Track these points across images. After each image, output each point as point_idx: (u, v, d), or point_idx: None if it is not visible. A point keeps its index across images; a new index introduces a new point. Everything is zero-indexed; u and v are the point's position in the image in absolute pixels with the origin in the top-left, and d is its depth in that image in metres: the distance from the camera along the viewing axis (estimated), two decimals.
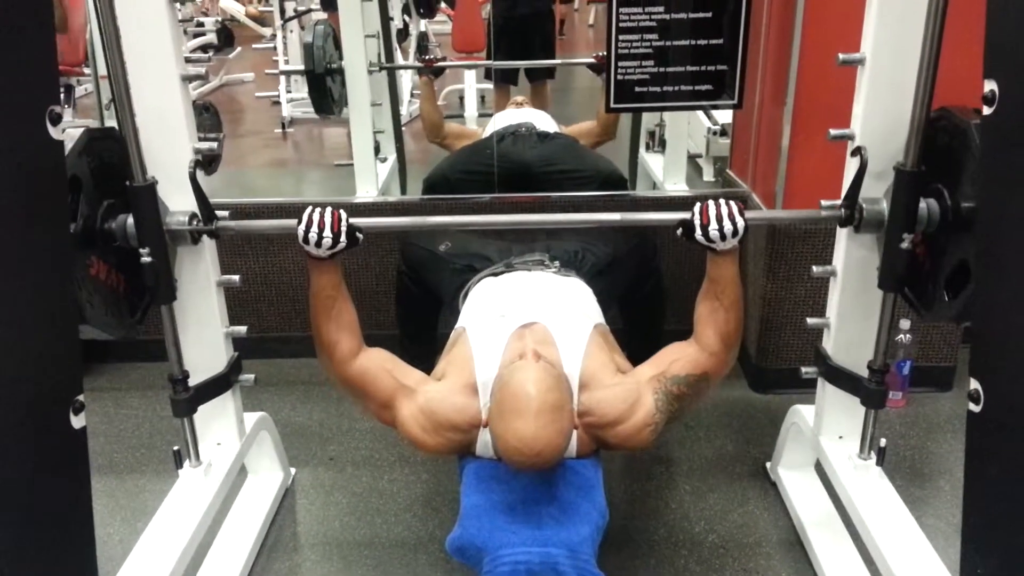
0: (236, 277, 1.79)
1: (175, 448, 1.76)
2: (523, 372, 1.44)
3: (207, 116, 2.94)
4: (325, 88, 2.91)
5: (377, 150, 3.08)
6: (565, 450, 1.46)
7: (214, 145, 1.72)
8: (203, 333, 1.78)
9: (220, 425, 1.88)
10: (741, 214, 1.54)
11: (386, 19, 3.28)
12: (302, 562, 1.92)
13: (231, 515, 1.99)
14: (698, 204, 1.56)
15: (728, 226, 1.52)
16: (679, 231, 1.57)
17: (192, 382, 1.73)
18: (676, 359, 1.59)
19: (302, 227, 1.55)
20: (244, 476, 2.12)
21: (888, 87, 1.56)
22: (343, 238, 1.56)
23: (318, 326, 1.63)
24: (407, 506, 2.08)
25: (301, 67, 3.00)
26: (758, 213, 1.73)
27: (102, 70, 2.73)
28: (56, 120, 1.03)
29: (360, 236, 1.59)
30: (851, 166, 1.63)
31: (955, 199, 1.49)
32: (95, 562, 1.11)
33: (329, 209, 1.56)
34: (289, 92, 4.95)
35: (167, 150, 1.61)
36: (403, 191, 3.28)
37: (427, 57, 3.34)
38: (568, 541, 1.39)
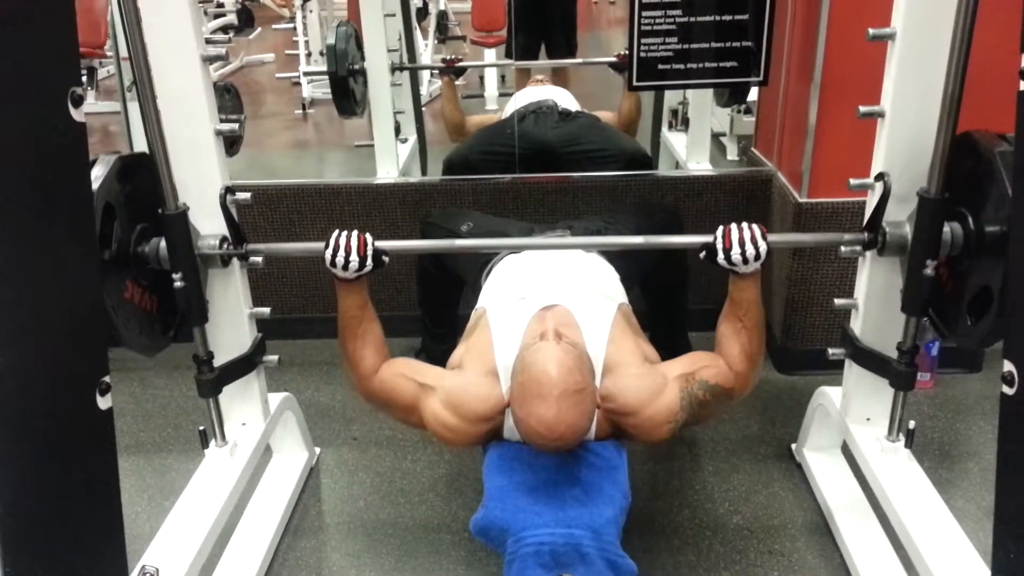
0: (259, 259, 1.79)
1: (201, 428, 1.78)
2: (544, 353, 1.43)
3: (228, 97, 2.93)
4: (348, 90, 2.91)
5: (397, 131, 3.06)
6: (588, 431, 1.45)
7: (235, 126, 1.72)
8: (227, 314, 1.79)
9: (245, 405, 1.90)
10: (764, 238, 1.54)
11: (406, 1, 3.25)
12: (327, 540, 1.94)
13: (257, 494, 2.01)
14: (721, 228, 1.56)
15: (751, 250, 1.53)
16: (702, 254, 1.59)
17: (217, 363, 1.74)
18: (706, 365, 1.58)
19: (329, 251, 1.59)
20: (269, 456, 2.14)
21: (920, 62, 1.52)
22: (369, 261, 1.60)
23: (344, 344, 1.66)
24: (431, 486, 2.09)
25: (323, 68, 2.99)
26: (780, 236, 1.76)
27: (124, 51, 2.73)
28: (78, 102, 1.02)
29: (386, 259, 1.62)
30: (875, 191, 1.62)
31: (979, 224, 1.47)
32: (123, 541, 1.12)
33: (355, 232, 1.61)
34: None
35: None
36: (423, 172, 3.27)
37: (448, 57, 3.29)
38: (592, 523, 1.39)
